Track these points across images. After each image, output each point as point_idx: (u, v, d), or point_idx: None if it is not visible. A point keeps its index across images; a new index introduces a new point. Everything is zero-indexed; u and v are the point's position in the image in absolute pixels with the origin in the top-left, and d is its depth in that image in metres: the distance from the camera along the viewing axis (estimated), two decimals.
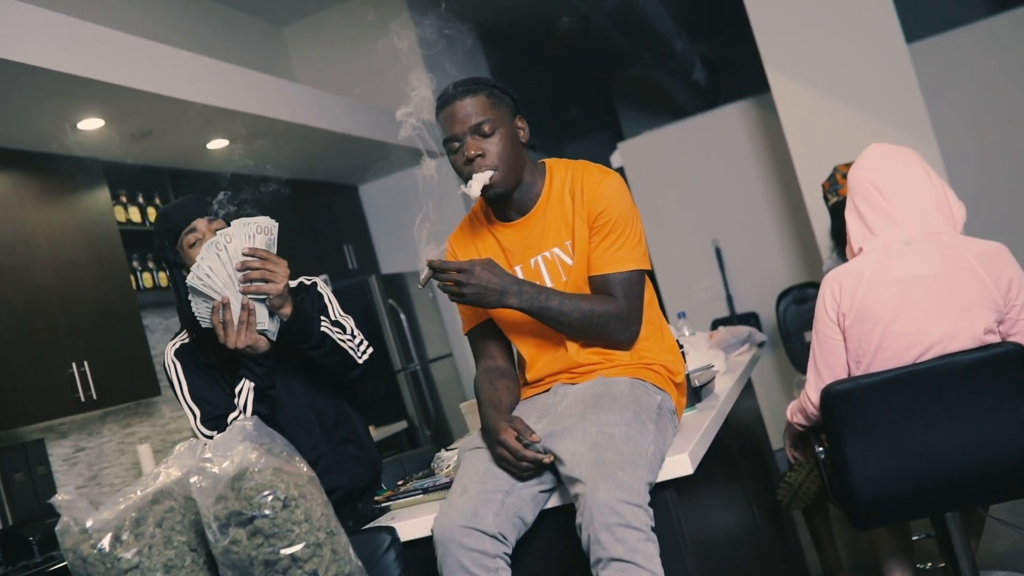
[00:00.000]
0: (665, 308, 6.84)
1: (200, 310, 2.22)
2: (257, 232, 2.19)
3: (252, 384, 2.24)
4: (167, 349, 2.41)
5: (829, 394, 2.57)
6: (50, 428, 4.35)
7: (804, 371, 4.97)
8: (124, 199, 4.82)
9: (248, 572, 1.68)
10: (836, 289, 2.60)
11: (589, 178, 2.18)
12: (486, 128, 2.11)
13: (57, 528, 1.74)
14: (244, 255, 2.17)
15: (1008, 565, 3.53)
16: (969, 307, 2.49)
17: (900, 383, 2.51)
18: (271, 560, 1.67)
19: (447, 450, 2.55)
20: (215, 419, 2.29)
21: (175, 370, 2.36)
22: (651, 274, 2.25)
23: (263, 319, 2.21)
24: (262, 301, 2.20)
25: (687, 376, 2.33)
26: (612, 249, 2.14)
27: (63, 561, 3.47)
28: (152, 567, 1.71)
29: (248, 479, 1.67)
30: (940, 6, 7.36)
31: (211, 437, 2.22)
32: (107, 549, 1.70)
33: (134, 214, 4.85)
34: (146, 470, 4.59)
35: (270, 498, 1.66)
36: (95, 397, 4.20)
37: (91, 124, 4.26)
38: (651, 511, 1.81)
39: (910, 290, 2.51)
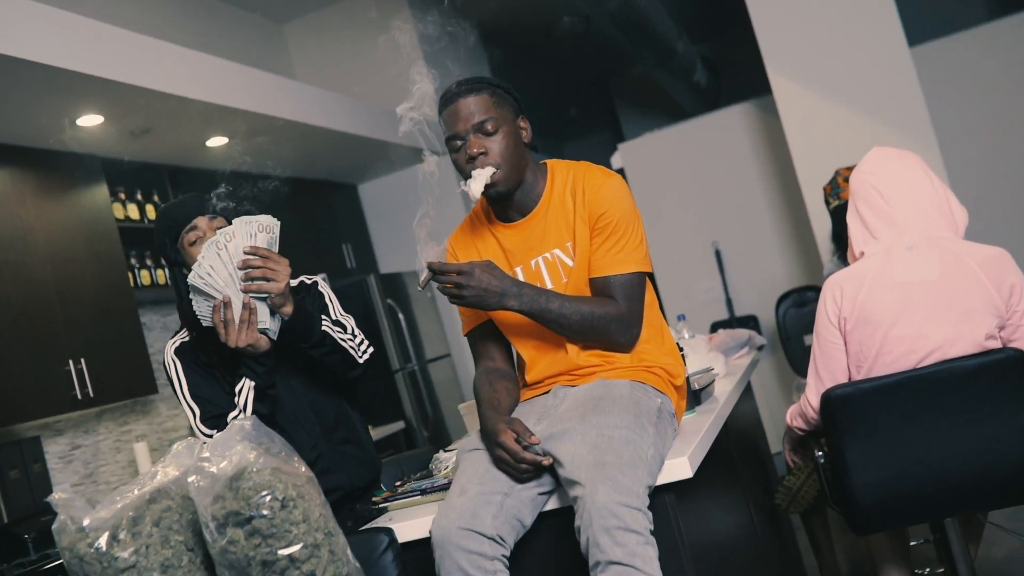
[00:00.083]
0: (664, 310, 6.83)
1: (201, 308, 2.22)
2: (258, 231, 2.19)
3: (252, 383, 2.24)
4: (167, 347, 2.40)
5: (829, 398, 2.57)
6: (46, 425, 4.34)
7: (803, 375, 4.96)
8: (123, 196, 4.81)
9: (245, 572, 1.67)
10: (837, 293, 2.59)
11: (591, 179, 2.18)
12: (489, 126, 2.11)
13: (54, 527, 1.73)
14: (245, 254, 2.16)
15: (1007, 571, 3.53)
16: (970, 312, 2.48)
17: (901, 388, 2.50)
18: (269, 560, 1.66)
19: (445, 451, 2.55)
20: (215, 418, 2.28)
21: (175, 368, 2.35)
22: (651, 276, 2.24)
23: (264, 318, 2.20)
24: (263, 300, 2.19)
25: (687, 379, 2.32)
26: (613, 251, 2.13)
27: (59, 559, 3.47)
28: (149, 566, 1.70)
29: (246, 479, 1.66)
30: (942, 10, 7.37)
31: (211, 436, 2.21)
32: (104, 548, 1.69)
33: (132, 211, 4.84)
34: (142, 468, 4.58)
35: (268, 498, 1.65)
36: (92, 395, 4.19)
37: (90, 120, 4.25)
38: (650, 514, 1.80)
39: (911, 295, 2.50)
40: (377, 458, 2.53)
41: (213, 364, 2.34)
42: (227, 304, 2.16)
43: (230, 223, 2.21)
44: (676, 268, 7.03)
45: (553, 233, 2.19)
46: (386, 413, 5.99)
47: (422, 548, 1.98)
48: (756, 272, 6.84)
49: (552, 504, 1.99)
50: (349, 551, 1.77)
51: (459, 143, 2.13)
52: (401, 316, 6.20)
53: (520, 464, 1.92)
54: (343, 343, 2.33)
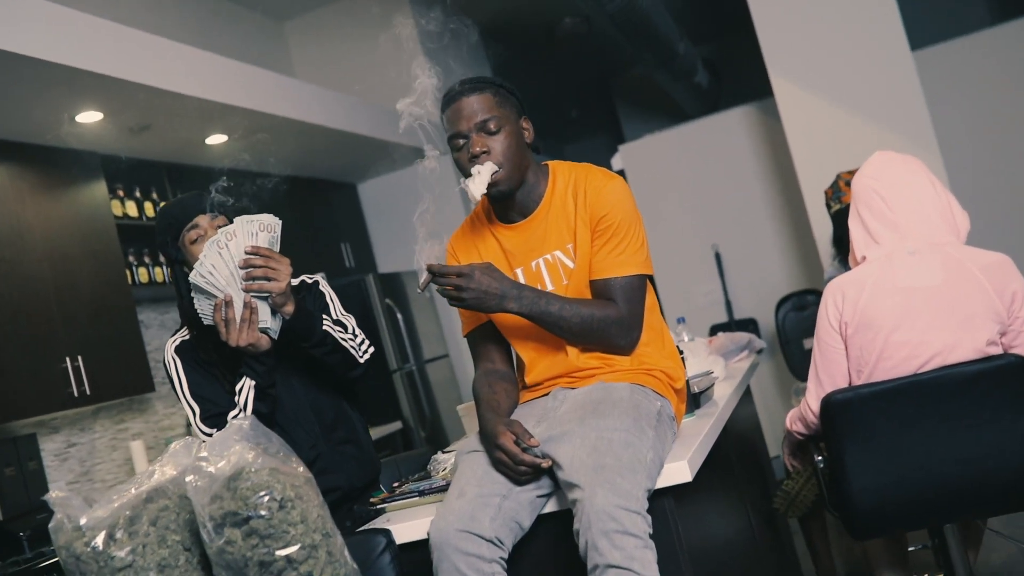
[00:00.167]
0: (664, 312, 6.82)
1: (202, 307, 2.22)
2: (260, 230, 2.19)
3: (253, 382, 2.24)
4: (167, 345, 2.39)
5: (829, 403, 2.56)
6: (42, 423, 4.33)
7: (802, 378, 4.96)
8: (121, 193, 4.80)
9: (242, 573, 1.66)
10: (839, 297, 2.59)
11: (592, 181, 2.17)
12: (492, 125, 2.10)
13: (51, 525, 1.72)
14: (247, 253, 2.15)
15: None
16: (972, 318, 2.47)
17: (901, 393, 2.49)
18: (266, 561, 1.65)
19: (443, 452, 2.54)
20: (215, 416, 2.28)
21: (175, 367, 2.35)
22: (651, 279, 2.23)
23: (265, 317, 2.20)
24: (264, 299, 2.19)
25: (687, 382, 2.32)
26: (614, 253, 2.13)
27: (54, 557, 3.46)
28: (146, 566, 1.69)
29: (244, 479, 1.65)
30: (945, 14, 7.37)
31: (210, 434, 2.21)
32: (101, 547, 1.68)
33: (131, 208, 4.83)
34: (138, 467, 4.57)
35: (266, 499, 1.65)
36: (88, 392, 4.18)
37: (89, 117, 4.24)
38: (649, 518, 1.80)
39: (913, 300, 2.49)
40: (376, 458, 2.53)
41: (213, 363, 2.33)
42: (228, 303, 2.16)
43: (231, 222, 2.21)
44: (676, 270, 7.02)
45: (554, 234, 2.18)
46: (383, 413, 5.98)
47: (420, 550, 1.97)
48: (756, 275, 6.83)
49: (551, 507, 1.99)
50: (347, 552, 1.76)
51: (461, 142, 2.12)
52: (399, 316, 6.19)
53: (519, 466, 1.92)
54: (344, 343, 2.32)
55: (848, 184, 3.68)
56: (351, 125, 5.81)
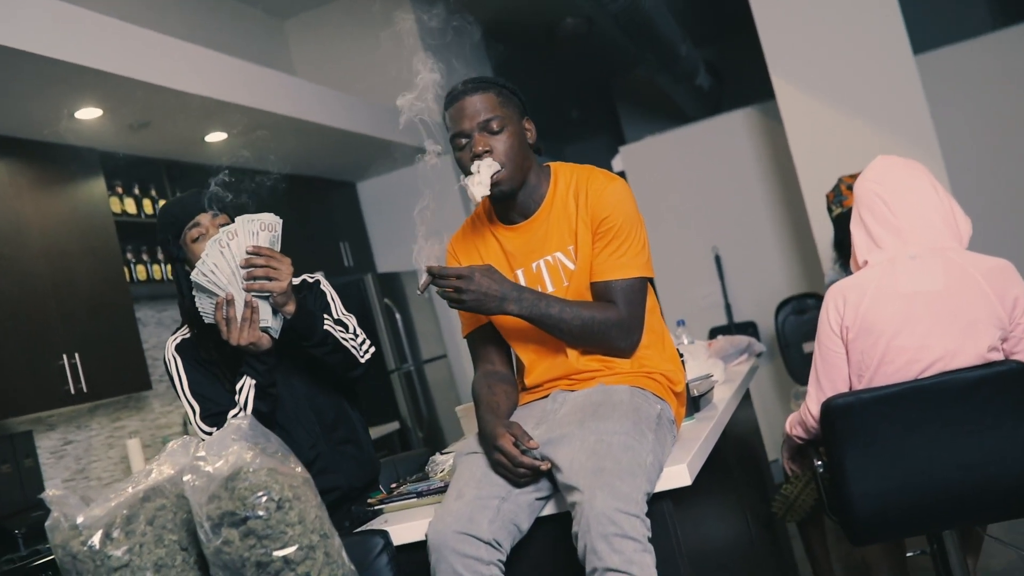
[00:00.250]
0: (663, 314, 6.81)
1: (204, 306, 2.21)
2: (261, 229, 2.18)
3: (253, 381, 2.23)
4: (168, 344, 2.39)
5: (829, 407, 2.55)
6: (38, 420, 4.32)
7: (802, 382, 4.95)
8: (120, 190, 4.79)
9: (240, 573, 1.65)
10: (840, 301, 2.58)
11: (594, 183, 2.16)
12: (494, 125, 2.09)
13: (47, 524, 1.72)
14: (248, 253, 2.15)
15: None
16: (973, 324, 2.46)
17: (902, 398, 2.48)
18: (263, 562, 1.64)
19: (442, 454, 2.53)
20: (215, 415, 2.27)
21: (175, 365, 2.34)
22: (651, 281, 2.22)
23: (266, 316, 2.20)
24: (265, 298, 2.18)
25: (686, 385, 2.31)
26: (615, 256, 2.12)
27: (49, 555, 3.45)
28: (142, 565, 1.69)
29: (242, 479, 1.64)
30: (947, 18, 7.37)
31: (210, 433, 2.21)
32: (97, 546, 1.67)
33: (129, 205, 4.82)
34: (134, 465, 4.56)
35: (264, 499, 1.64)
36: (85, 390, 4.17)
37: (89, 113, 4.23)
38: (648, 521, 1.79)
39: (914, 305, 2.49)
40: (376, 459, 2.52)
41: (214, 361, 2.33)
42: (230, 302, 2.16)
43: (232, 220, 2.20)
44: (675, 273, 7.01)
45: (555, 236, 2.17)
46: (381, 413, 5.97)
47: (418, 551, 1.96)
48: (756, 278, 6.82)
49: (549, 509, 1.98)
50: (344, 553, 1.75)
51: (464, 141, 2.11)
52: (398, 316, 6.18)
53: (518, 468, 1.91)
54: (345, 342, 2.32)
55: (850, 188, 3.68)
56: (351, 124, 5.80)
